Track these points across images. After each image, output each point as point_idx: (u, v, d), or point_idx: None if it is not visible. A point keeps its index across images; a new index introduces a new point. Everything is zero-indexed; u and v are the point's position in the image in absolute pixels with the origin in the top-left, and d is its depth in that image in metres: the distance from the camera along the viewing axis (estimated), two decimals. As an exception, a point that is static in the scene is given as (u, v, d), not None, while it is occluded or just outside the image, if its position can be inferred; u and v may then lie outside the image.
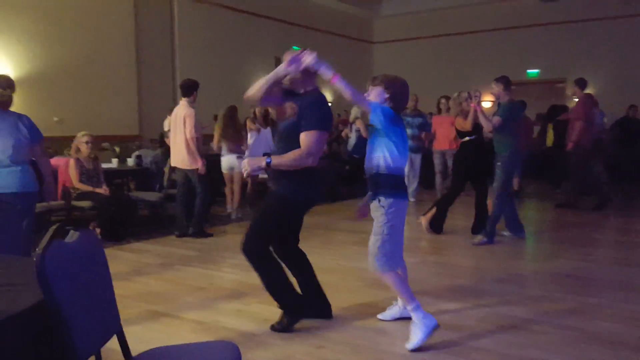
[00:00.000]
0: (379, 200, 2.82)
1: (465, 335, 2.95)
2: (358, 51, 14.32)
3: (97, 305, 1.65)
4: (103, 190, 5.48)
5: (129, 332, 1.86)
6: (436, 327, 2.78)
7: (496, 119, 5.07)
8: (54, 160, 6.08)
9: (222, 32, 10.61)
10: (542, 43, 12.34)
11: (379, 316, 3.22)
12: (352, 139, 8.81)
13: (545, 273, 4.28)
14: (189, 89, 5.51)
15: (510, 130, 5.11)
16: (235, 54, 10.79)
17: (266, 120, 7.24)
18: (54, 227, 1.52)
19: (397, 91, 2.87)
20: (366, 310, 3.36)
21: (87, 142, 5.54)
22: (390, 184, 2.82)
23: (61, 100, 7.95)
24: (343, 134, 9.48)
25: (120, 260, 4.72)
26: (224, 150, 6.49)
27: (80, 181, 5.46)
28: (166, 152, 6.41)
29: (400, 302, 3.14)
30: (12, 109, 3.54)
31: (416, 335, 2.75)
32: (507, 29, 12.74)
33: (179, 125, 5.43)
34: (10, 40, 7.55)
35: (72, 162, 5.50)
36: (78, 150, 5.56)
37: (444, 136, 7.31)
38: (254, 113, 7.21)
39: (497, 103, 5.41)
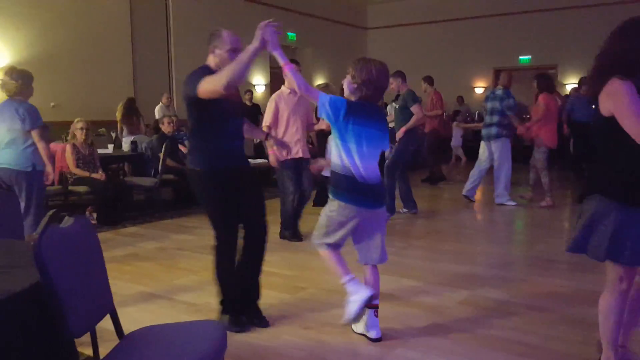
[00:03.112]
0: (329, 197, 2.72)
1: (448, 319, 3.09)
2: (352, 37, 14.32)
3: (91, 286, 1.77)
4: (99, 175, 5.59)
5: (124, 313, 1.98)
6: (370, 297, 2.64)
7: (417, 107, 5.84)
8: (52, 146, 6.17)
9: (216, 18, 10.60)
10: (534, 29, 12.44)
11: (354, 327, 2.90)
12: None
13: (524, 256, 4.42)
14: None
15: (408, 115, 5.88)
16: (230, 39, 10.78)
17: None
18: (49, 213, 1.64)
19: (366, 79, 2.60)
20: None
21: (82, 128, 5.64)
22: (338, 184, 2.65)
23: (57, 86, 8.01)
24: None
25: (116, 243, 4.85)
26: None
27: (77, 166, 5.57)
28: (161, 138, 6.51)
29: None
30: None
31: (351, 308, 2.64)
32: (500, 15, 12.80)
33: None
34: (7, 26, 7.58)
35: (68, 147, 5.61)
36: (74, 136, 5.66)
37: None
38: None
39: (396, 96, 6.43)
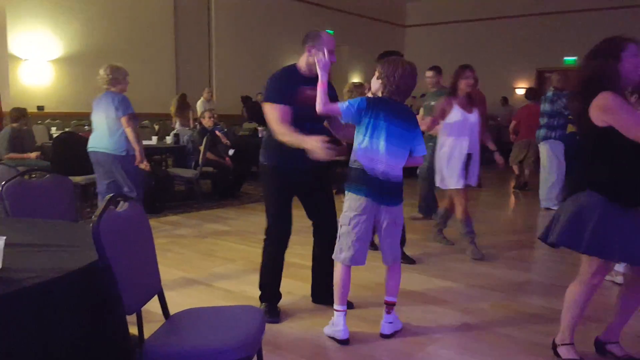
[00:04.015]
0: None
1: (481, 320, 3.11)
2: (390, 35, 14.25)
3: (142, 267, 1.89)
4: (144, 165, 5.77)
5: (166, 295, 2.08)
6: (341, 341, 2.72)
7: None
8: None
9: (256, 14, 10.80)
10: (580, 29, 12.08)
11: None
12: None
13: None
14: None
15: None
16: (268, 36, 10.96)
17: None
18: (108, 197, 1.76)
19: (388, 73, 2.66)
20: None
21: (129, 120, 5.85)
22: (350, 176, 2.73)
23: (105, 78, 8.30)
24: None
25: (158, 230, 5.03)
26: None
27: (123, 156, 5.78)
28: (202, 131, 6.69)
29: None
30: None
31: (328, 327, 2.81)
32: (544, 14, 12.48)
33: None
34: (60, 19, 7.94)
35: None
36: (121, 127, 5.89)
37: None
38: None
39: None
